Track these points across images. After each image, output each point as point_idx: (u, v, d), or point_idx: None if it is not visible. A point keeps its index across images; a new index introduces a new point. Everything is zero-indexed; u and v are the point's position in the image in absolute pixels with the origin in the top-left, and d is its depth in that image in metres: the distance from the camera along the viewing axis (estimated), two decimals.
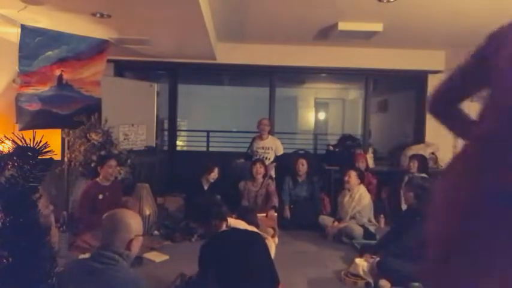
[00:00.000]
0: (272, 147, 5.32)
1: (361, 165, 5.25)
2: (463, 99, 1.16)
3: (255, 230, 3.07)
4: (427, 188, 3.25)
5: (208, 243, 2.49)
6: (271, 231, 3.81)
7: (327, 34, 4.83)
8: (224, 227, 2.57)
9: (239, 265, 2.38)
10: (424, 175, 4.57)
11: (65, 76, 4.12)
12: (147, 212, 4.32)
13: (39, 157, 1.14)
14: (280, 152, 5.39)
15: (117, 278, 1.63)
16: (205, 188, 4.83)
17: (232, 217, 3.24)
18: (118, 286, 1.62)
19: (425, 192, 3.23)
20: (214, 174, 4.83)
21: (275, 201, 4.80)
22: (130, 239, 1.72)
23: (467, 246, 0.93)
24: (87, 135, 4.29)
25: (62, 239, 3.45)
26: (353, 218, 4.43)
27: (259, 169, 4.87)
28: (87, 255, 1.97)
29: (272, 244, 3.46)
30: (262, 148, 5.31)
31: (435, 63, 5.79)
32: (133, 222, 1.76)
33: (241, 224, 3.06)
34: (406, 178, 4.93)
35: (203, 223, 2.65)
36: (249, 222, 3.28)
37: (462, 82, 1.13)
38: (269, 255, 2.60)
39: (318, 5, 3.85)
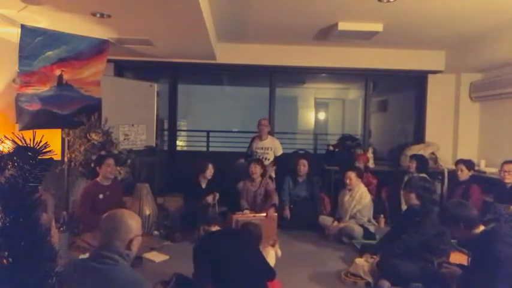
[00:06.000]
0: (271, 147, 5.32)
1: (361, 165, 5.25)
2: None
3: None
4: (428, 188, 3.25)
5: (199, 242, 2.63)
6: (271, 240, 3.67)
7: (327, 34, 4.83)
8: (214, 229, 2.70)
9: (230, 258, 2.45)
10: (423, 175, 4.56)
11: (65, 76, 4.11)
12: (147, 212, 4.33)
13: (39, 157, 1.14)
14: (279, 152, 5.37)
15: (118, 278, 1.63)
16: (203, 186, 4.82)
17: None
18: (118, 286, 1.62)
19: (426, 192, 3.23)
20: (210, 171, 4.81)
21: (275, 199, 4.79)
22: (130, 239, 1.73)
23: None
24: (87, 135, 4.29)
25: (62, 239, 3.45)
26: (353, 217, 4.42)
27: (255, 168, 4.87)
28: (87, 255, 1.96)
29: (271, 252, 3.37)
30: (262, 148, 5.30)
31: (435, 63, 5.79)
32: (133, 222, 1.77)
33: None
34: (406, 178, 4.93)
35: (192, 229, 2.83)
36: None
37: None
38: (258, 249, 2.70)
39: (318, 5, 3.85)
